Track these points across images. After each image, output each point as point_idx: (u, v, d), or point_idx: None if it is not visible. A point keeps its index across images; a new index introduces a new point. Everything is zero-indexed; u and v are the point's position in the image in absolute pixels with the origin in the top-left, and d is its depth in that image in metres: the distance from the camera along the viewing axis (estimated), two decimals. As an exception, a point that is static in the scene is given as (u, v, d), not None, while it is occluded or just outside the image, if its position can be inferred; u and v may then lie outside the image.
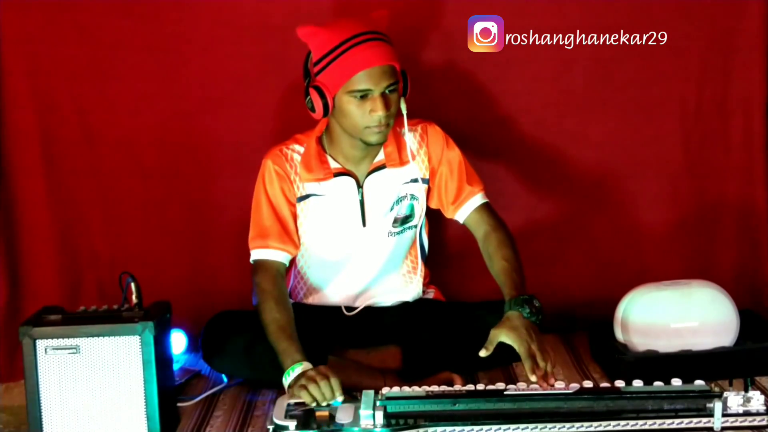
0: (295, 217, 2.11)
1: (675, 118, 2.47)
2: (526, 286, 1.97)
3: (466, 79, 2.41)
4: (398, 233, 2.17)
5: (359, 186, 2.11)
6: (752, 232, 2.50)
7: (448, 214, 2.17)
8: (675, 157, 2.49)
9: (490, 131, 2.45)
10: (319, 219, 2.12)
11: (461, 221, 2.15)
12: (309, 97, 1.98)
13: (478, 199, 2.13)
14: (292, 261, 2.16)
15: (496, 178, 2.46)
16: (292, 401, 1.79)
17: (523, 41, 2.38)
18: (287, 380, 1.84)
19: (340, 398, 1.78)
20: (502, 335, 1.84)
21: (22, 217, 2.36)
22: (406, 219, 2.17)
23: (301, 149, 2.11)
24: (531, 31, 2.37)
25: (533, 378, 1.79)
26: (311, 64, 1.99)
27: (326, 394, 1.77)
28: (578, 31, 2.38)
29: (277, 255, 2.07)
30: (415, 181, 2.13)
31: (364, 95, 1.93)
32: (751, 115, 2.45)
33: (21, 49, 2.29)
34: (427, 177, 2.14)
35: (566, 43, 2.39)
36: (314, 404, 1.77)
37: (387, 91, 1.94)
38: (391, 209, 2.14)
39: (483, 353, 1.82)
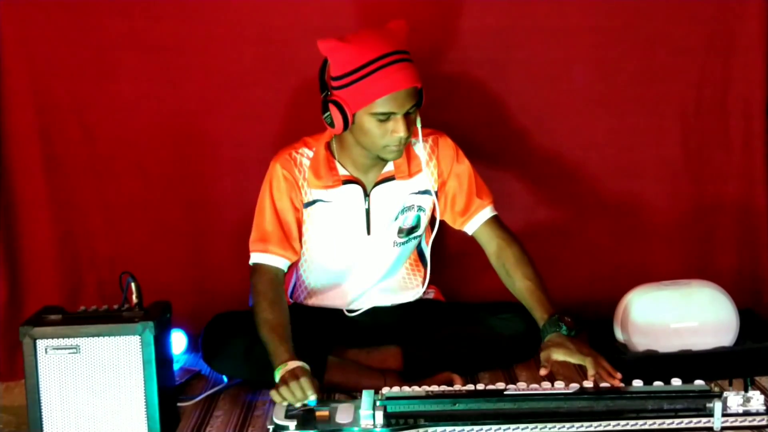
0: (299, 222, 2.10)
1: (675, 118, 2.47)
2: (551, 300, 1.98)
3: (465, 79, 2.41)
4: (403, 243, 2.17)
5: (366, 195, 2.10)
6: (752, 232, 2.50)
7: (456, 226, 2.15)
8: (675, 157, 2.49)
9: (490, 131, 2.45)
10: (324, 225, 2.12)
11: (470, 233, 2.14)
12: (328, 113, 1.95)
13: (487, 212, 2.12)
14: (294, 263, 2.15)
15: (497, 178, 2.45)
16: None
17: (524, 41, 2.39)
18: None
19: (313, 397, 1.76)
20: (554, 354, 1.85)
21: (22, 217, 2.37)
22: (412, 230, 2.16)
23: (311, 153, 2.09)
24: (531, 31, 2.38)
25: (612, 382, 1.80)
26: (329, 77, 1.96)
27: (297, 394, 1.76)
28: (578, 31, 2.38)
29: (276, 261, 2.06)
30: (424, 192, 2.13)
31: (386, 117, 1.91)
32: (750, 115, 2.45)
33: (21, 49, 2.29)
34: (436, 189, 2.13)
35: (566, 42, 2.39)
36: (285, 403, 1.76)
37: (408, 112, 1.93)
38: (396, 219, 2.14)
39: (543, 372, 1.83)
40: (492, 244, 2.10)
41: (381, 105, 1.89)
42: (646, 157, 2.48)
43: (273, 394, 1.78)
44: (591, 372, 1.82)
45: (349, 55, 1.90)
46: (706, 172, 2.50)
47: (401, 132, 1.91)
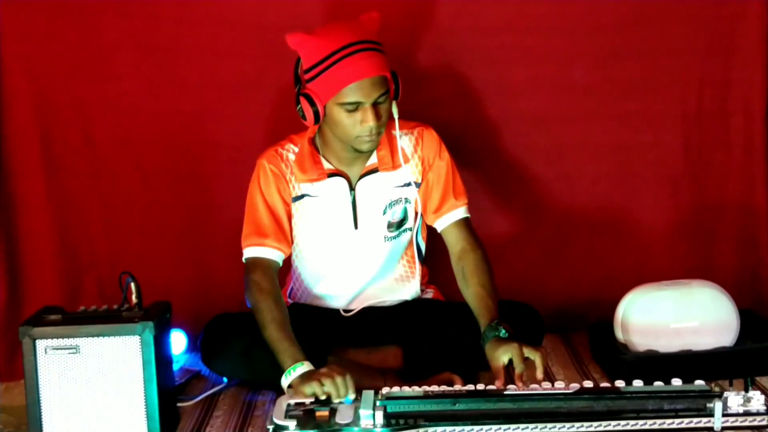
0: (289, 216, 2.11)
1: (675, 119, 2.47)
2: (498, 310, 1.98)
3: (464, 80, 2.41)
4: (394, 237, 2.17)
5: (351, 188, 2.11)
6: (752, 232, 2.50)
7: (427, 221, 2.17)
8: (675, 158, 2.49)
9: (491, 132, 2.45)
10: (312, 220, 2.12)
11: (438, 230, 2.15)
12: (300, 105, 1.97)
13: (460, 212, 2.12)
14: (288, 262, 2.15)
15: (497, 178, 2.46)
16: (292, 401, 1.78)
17: (523, 41, 2.39)
18: (287, 380, 1.84)
19: (352, 396, 1.78)
20: (503, 357, 1.85)
21: (22, 217, 2.37)
22: (401, 223, 2.16)
23: (296, 149, 2.10)
24: (531, 31, 2.38)
25: (540, 375, 1.81)
26: (301, 71, 1.98)
27: (341, 390, 1.77)
28: (578, 31, 2.38)
29: (273, 253, 2.07)
30: (408, 185, 2.13)
31: (354, 107, 1.92)
32: (751, 116, 2.45)
33: (21, 49, 2.29)
34: (420, 181, 2.14)
35: (566, 43, 2.39)
36: (324, 398, 1.76)
37: (377, 102, 1.93)
38: (384, 213, 2.14)
39: (499, 384, 1.82)
40: (457, 246, 2.11)
41: (347, 94, 1.90)
42: (646, 157, 2.48)
43: (314, 385, 1.77)
44: (539, 363, 1.82)
45: (316, 47, 1.91)
46: (706, 173, 2.50)
47: (370, 121, 1.91)
